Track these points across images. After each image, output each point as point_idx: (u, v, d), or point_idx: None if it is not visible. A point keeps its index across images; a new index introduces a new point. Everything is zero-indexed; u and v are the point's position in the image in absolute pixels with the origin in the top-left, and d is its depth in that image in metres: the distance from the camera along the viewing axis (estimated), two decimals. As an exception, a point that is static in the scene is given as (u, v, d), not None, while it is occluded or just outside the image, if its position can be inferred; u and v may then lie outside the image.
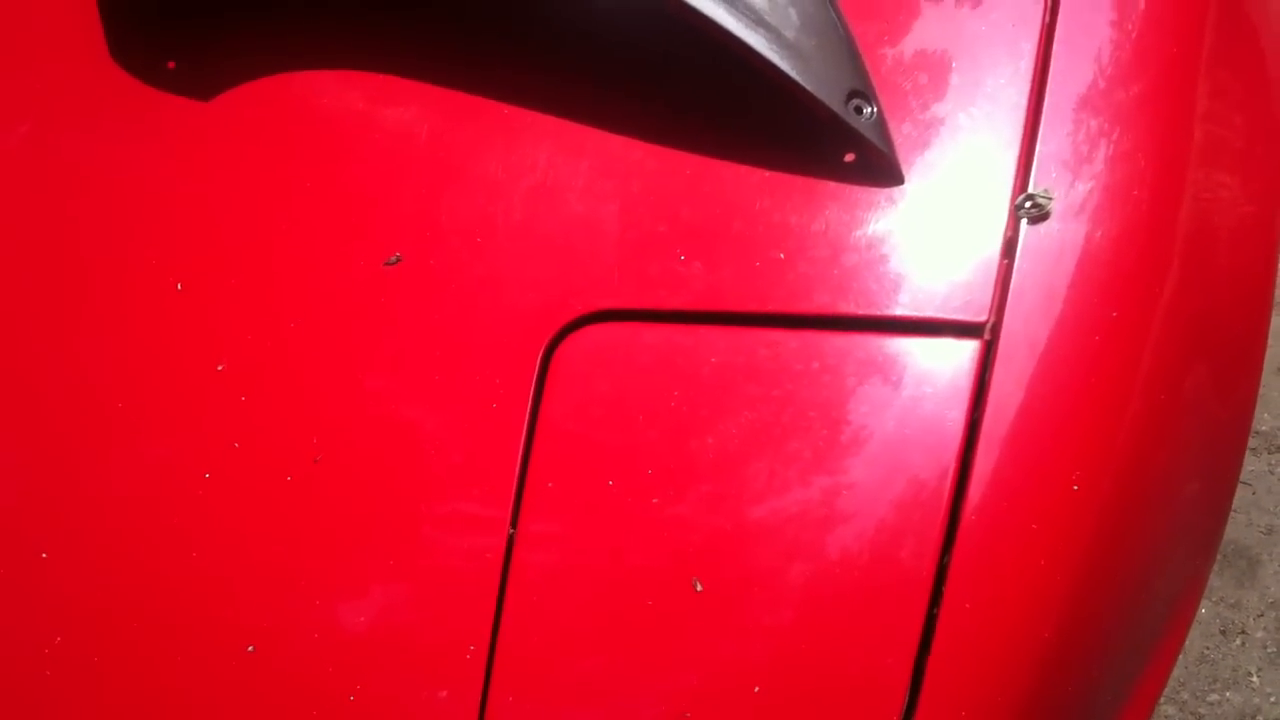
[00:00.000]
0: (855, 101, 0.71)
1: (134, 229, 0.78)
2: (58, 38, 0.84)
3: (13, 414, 0.76)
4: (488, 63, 0.79)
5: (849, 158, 0.72)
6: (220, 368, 0.74)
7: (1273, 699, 1.63)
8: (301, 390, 0.73)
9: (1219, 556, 0.91)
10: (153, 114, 0.80)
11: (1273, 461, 1.77)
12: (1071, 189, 0.70)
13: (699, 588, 0.66)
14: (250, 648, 0.69)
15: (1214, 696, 1.64)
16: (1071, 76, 0.73)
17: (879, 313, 0.70)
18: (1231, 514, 0.91)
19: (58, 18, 0.84)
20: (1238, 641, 1.66)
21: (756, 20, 0.69)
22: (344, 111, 0.79)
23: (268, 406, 0.73)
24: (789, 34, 0.69)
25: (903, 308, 0.69)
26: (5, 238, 0.80)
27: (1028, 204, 0.70)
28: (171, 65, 0.81)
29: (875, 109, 0.71)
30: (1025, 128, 0.72)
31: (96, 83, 0.81)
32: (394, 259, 0.74)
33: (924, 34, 0.75)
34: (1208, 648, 1.66)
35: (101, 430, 0.74)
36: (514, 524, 0.69)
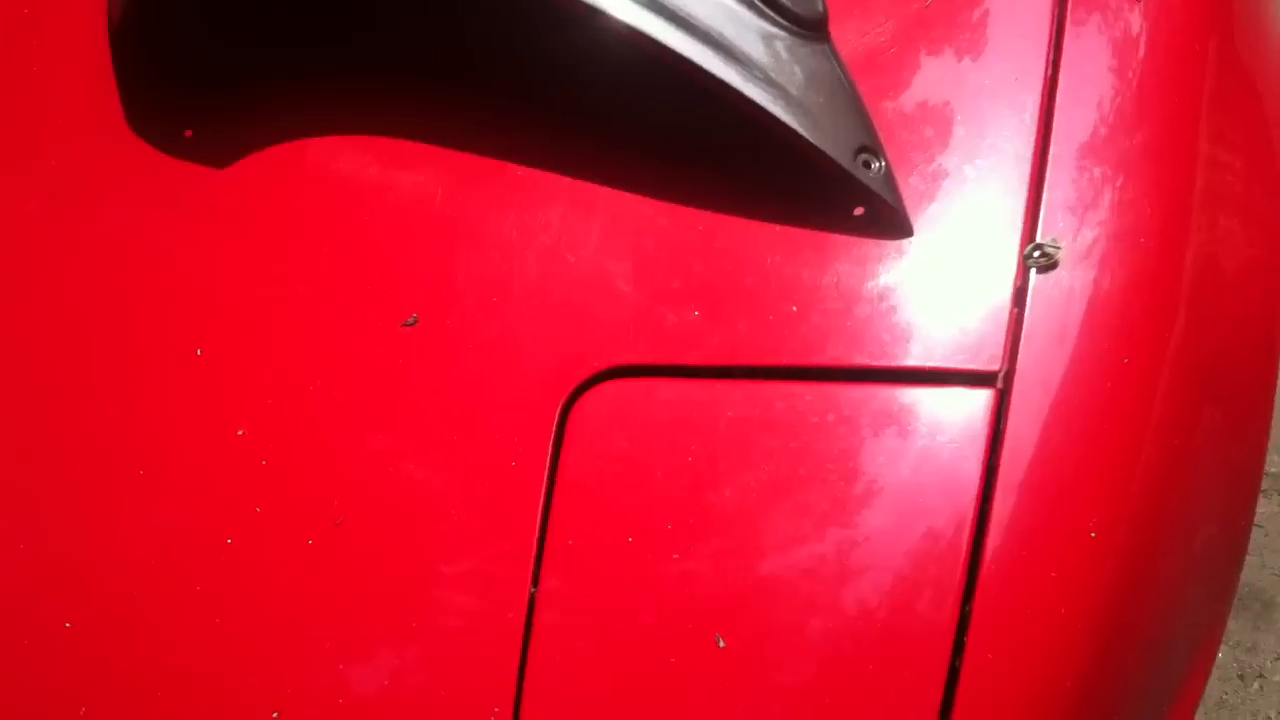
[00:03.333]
0: (863, 156, 0.71)
1: (153, 296, 0.79)
2: (75, 106, 0.85)
3: (34, 481, 0.76)
4: (500, 124, 0.80)
5: (858, 211, 0.73)
6: (241, 432, 0.74)
7: (1293, 743, 1.61)
8: (322, 453, 0.73)
9: (1234, 600, 0.91)
10: (170, 181, 0.81)
11: (1284, 503, 1.76)
12: (1079, 237, 0.71)
13: (722, 643, 0.66)
14: (275, 714, 0.69)
15: (1234, 742, 1.62)
16: (1075, 126, 0.74)
17: (892, 363, 0.70)
18: (1245, 557, 0.91)
19: (75, 86, 0.85)
20: (1255, 685, 1.65)
21: (764, 79, 0.70)
22: (359, 176, 0.80)
23: (288, 470, 0.73)
24: (796, 92, 0.70)
25: (916, 358, 0.70)
26: (25, 306, 0.80)
27: (1036, 253, 0.70)
28: (188, 134, 0.82)
29: (883, 163, 0.72)
30: (1031, 178, 0.73)
31: (114, 151, 0.82)
32: (411, 320, 0.75)
33: (929, 88, 0.76)
34: (1226, 693, 1.64)
35: (124, 497, 0.75)
36: (535, 583, 0.69)
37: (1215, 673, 1.62)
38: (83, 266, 0.81)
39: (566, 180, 0.77)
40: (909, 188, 0.73)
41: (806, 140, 0.70)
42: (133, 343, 0.78)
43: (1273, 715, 1.63)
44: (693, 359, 0.72)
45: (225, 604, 0.71)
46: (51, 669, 0.72)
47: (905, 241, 0.73)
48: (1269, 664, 1.66)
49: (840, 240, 0.73)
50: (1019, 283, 0.70)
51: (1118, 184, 0.72)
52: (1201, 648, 0.85)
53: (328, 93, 0.83)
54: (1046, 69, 0.75)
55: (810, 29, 0.72)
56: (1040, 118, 0.74)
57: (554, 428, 0.71)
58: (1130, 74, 0.75)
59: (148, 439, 0.75)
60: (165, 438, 0.75)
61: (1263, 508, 1.75)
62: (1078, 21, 0.77)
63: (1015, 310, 0.70)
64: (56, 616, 0.72)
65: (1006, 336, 0.69)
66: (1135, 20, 0.77)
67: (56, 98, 0.85)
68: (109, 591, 0.73)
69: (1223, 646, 1.61)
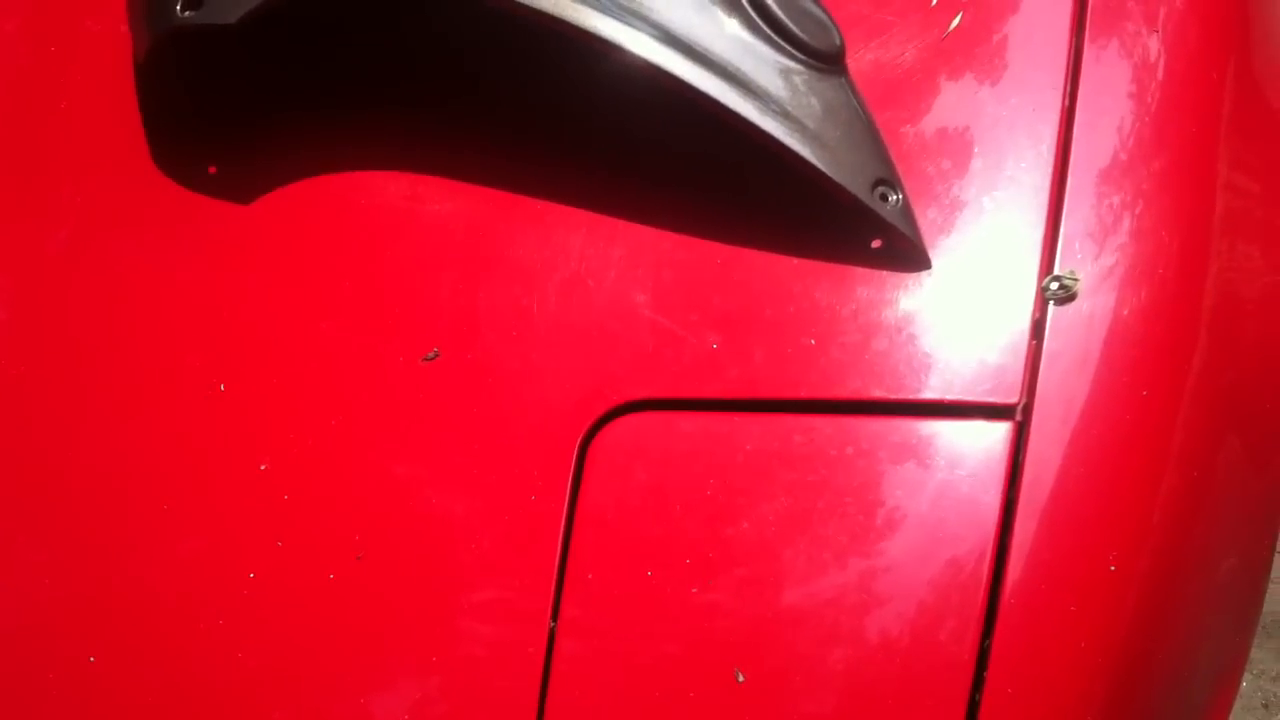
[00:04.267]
0: (881, 189, 0.72)
1: (176, 331, 0.79)
2: (101, 142, 0.85)
3: (58, 516, 0.76)
4: (521, 158, 0.80)
5: (876, 244, 0.73)
6: (263, 467, 0.75)
7: (1319, 772, 1.60)
8: (343, 488, 0.74)
9: (1258, 629, 0.90)
10: (194, 216, 0.82)
11: (1306, 528, 1.74)
12: (1097, 268, 0.71)
13: (741, 678, 0.66)
14: (296, 747, 0.70)
15: (1259, 772, 1.61)
16: (1093, 155, 0.74)
17: (911, 396, 0.70)
18: (1268, 586, 0.91)
19: (101, 122, 0.86)
20: (1280, 715, 1.64)
21: (781, 113, 0.70)
22: (381, 211, 0.80)
23: (310, 505, 0.74)
24: (812, 125, 0.71)
25: (934, 391, 0.70)
26: (48, 339, 0.81)
27: (1054, 285, 0.70)
28: (212, 169, 0.83)
29: (900, 196, 0.72)
30: (1049, 209, 0.73)
31: (139, 186, 0.83)
32: (432, 354, 0.75)
33: (946, 119, 0.76)
34: (1250, 721, 1.64)
35: (147, 532, 0.75)
36: (555, 616, 0.69)
37: (1240, 702, 1.60)
38: (107, 300, 0.81)
39: (585, 213, 0.77)
40: (927, 220, 0.73)
41: (823, 173, 0.70)
42: (155, 377, 0.78)
43: (1297, 743, 1.62)
44: (712, 392, 0.72)
45: (248, 638, 0.71)
46: (76, 703, 0.72)
47: (923, 274, 0.73)
48: (1293, 691, 1.65)
49: (858, 273, 0.73)
50: (1037, 315, 0.70)
51: (1136, 212, 0.72)
52: (1224, 678, 0.85)
53: (349, 128, 0.83)
54: (1064, 99, 0.75)
55: (826, 62, 0.72)
56: (1058, 147, 0.74)
57: (574, 461, 0.71)
58: (1148, 101, 0.75)
59: (170, 474, 0.76)
60: (188, 473, 0.76)
61: (1285, 533, 1.73)
62: (1095, 49, 0.77)
63: (1034, 342, 0.70)
64: (81, 651, 0.73)
65: (1025, 369, 0.69)
66: (1153, 47, 0.77)
67: (83, 133, 0.86)
68: (133, 626, 0.73)
69: (1247, 676, 1.60)
